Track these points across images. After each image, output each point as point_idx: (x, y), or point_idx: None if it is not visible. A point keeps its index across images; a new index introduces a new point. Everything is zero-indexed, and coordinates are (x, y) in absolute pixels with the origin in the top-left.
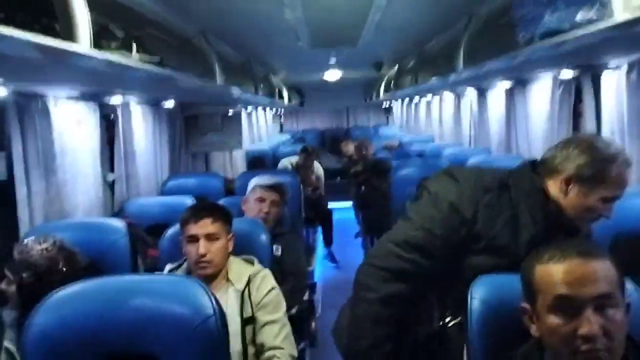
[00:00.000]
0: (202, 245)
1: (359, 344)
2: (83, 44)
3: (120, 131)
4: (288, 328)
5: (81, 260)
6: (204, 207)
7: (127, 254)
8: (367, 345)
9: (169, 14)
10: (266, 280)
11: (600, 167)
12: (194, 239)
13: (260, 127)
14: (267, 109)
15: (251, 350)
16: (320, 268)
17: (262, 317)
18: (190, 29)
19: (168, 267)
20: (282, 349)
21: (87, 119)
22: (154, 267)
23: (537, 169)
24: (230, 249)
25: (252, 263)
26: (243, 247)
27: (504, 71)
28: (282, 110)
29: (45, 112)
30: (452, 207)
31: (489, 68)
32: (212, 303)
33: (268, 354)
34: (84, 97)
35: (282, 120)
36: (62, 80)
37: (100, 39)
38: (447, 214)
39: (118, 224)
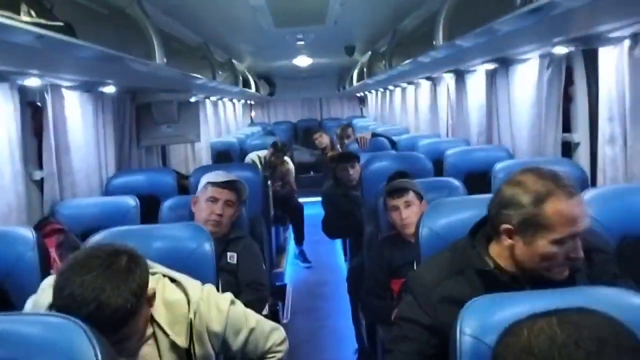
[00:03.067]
0: None
1: None
2: None
3: (49, 121)
4: (261, 323)
5: None
6: None
7: (35, 271)
8: None
9: None
10: (213, 307)
11: (532, 212)
12: None
13: (228, 118)
14: (235, 99)
15: None
16: (290, 269)
17: (238, 340)
18: None
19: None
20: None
21: (3, 105)
22: None
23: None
24: None
25: (179, 285)
26: (182, 260)
27: (485, 49)
28: (252, 101)
29: None
30: (411, 322)
31: (468, 44)
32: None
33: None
34: None
35: (252, 111)
36: None
37: None
38: (412, 332)
39: (26, 233)
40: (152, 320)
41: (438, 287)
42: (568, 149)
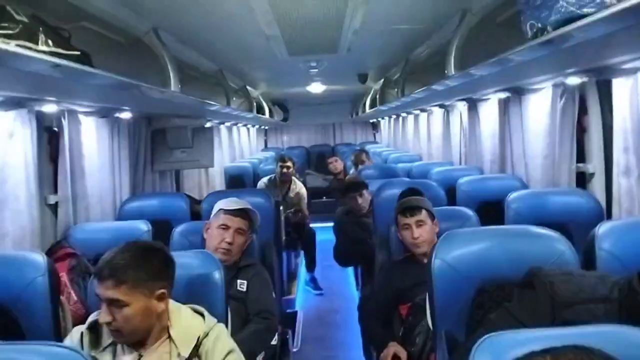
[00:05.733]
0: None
1: None
2: None
3: (65, 145)
4: None
5: None
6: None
7: (46, 297)
8: None
9: (110, 6)
10: (220, 342)
11: None
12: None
13: (242, 143)
14: (249, 125)
15: None
16: (301, 296)
17: None
18: (140, 26)
19: (92, 317)
20: None
21: (21, 130)
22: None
23: None
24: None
25: (202, 316)
26: (192, 288)
27: (498, 79)
28: (266, 126)
29: None
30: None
31: (480, 74)
32: None
33: None
34: (14, 103)
35: (266, 136)
36: None
37: None
38: None
39: (37, 258)
40: (170, 337)
41: (571, 309)
42: (583, 180)
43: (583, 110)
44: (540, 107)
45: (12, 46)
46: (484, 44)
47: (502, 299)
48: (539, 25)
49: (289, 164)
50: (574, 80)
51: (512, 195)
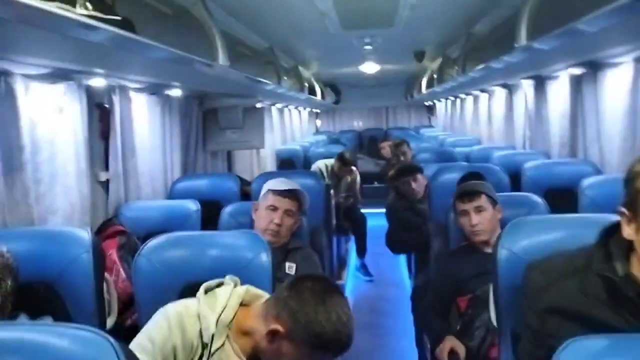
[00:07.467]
0: None
1: None
2: None
3: (116, 122)
4: None
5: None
6: None
7: (90, 274)
8: None
9: None
10: None
11: None
12: None
13: (294, 125)
14: (301, 107)
15: None
16: (351, 282)
17: None
18: None
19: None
20: None
21: (70, 105)
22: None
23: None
24: None
25: None
26: (238, 270)
27: (570, 52)
28: (317, 109)
29: (10, 95)
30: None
31: (548, 47)
32: None
33: None
34: (62, 76)
35: (317, 119)
36: None
37: None
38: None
39: (81, 234)
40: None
41: (546, 292)
42: None
43: None
44: (619, 84)
45: (51, 6)
46: (559, 11)
47: None
48: None
49: (351, 167)
50: None
51: (587, 181)
